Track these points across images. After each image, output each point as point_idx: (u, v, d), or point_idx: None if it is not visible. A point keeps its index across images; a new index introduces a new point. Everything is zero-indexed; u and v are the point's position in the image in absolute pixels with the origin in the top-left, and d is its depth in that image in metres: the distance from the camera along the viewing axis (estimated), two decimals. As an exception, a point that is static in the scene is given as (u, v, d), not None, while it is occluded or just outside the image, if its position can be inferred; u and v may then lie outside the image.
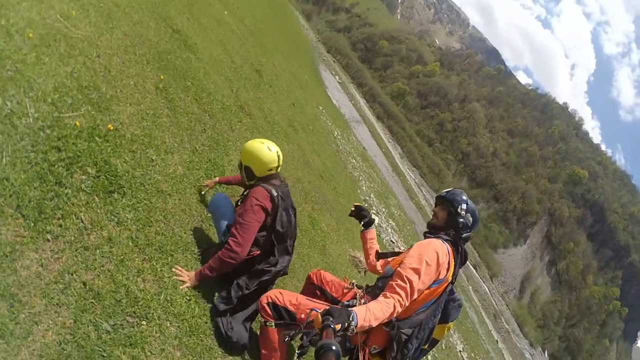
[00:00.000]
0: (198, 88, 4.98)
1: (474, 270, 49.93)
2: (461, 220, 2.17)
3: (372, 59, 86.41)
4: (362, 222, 2.66)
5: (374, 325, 1.70)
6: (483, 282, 52.16)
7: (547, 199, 74.87)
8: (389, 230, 12.75)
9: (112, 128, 2.52)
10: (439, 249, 2.00)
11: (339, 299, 2.39)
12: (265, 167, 2.46)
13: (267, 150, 2.44)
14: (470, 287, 37.24)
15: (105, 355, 1.56)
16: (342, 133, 19.41)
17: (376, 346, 2.11)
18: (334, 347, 1.36)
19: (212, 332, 2.16)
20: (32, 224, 1.66)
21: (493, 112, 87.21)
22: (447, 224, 2.21)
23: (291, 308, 2.07)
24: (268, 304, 2.09)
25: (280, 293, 2.14)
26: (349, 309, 1.61)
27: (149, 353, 1.73)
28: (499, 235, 68.24)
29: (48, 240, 1.68)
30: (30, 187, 1.75)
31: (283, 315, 2.06)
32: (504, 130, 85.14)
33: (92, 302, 1.67)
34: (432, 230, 2.24)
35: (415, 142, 71.38)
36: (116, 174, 2.28)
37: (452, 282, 2.14)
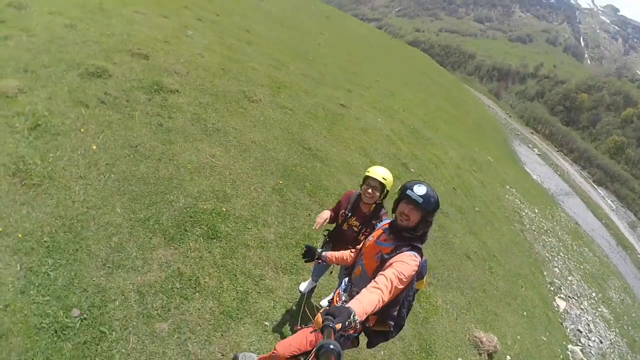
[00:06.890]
0: (315, 187, 5.84)
1: None
2: (430, 220, 2.28)
3: (577, 118, 77.14)
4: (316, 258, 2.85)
5: (369, 314, 1.84)
6: None
7: None
8: (586, 318, 10.85)
9: (224, 210, 4.64)
10: (415, 265, 2.16)
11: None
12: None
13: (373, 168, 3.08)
14: None
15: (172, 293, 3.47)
16: (541, 210, 18.31)
17: (372, 323, 2.41)
18: (333, 347, 1.42)
19: (236, 306, 3.72)
20: (169, 242, 3.83)
21: None
22: (419, 226, 2.27)
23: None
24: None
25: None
26: (346, 306, 1.69)
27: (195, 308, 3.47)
28: None
29: (173, 248, 3.81)
30: (172, 229, 4.00)
31: None
32: None
33: (178, 278, 3.58)
34: (407, 235, 2.28)
35: (649, 201, 54.58)
36: (217, 231, 4.25)
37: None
